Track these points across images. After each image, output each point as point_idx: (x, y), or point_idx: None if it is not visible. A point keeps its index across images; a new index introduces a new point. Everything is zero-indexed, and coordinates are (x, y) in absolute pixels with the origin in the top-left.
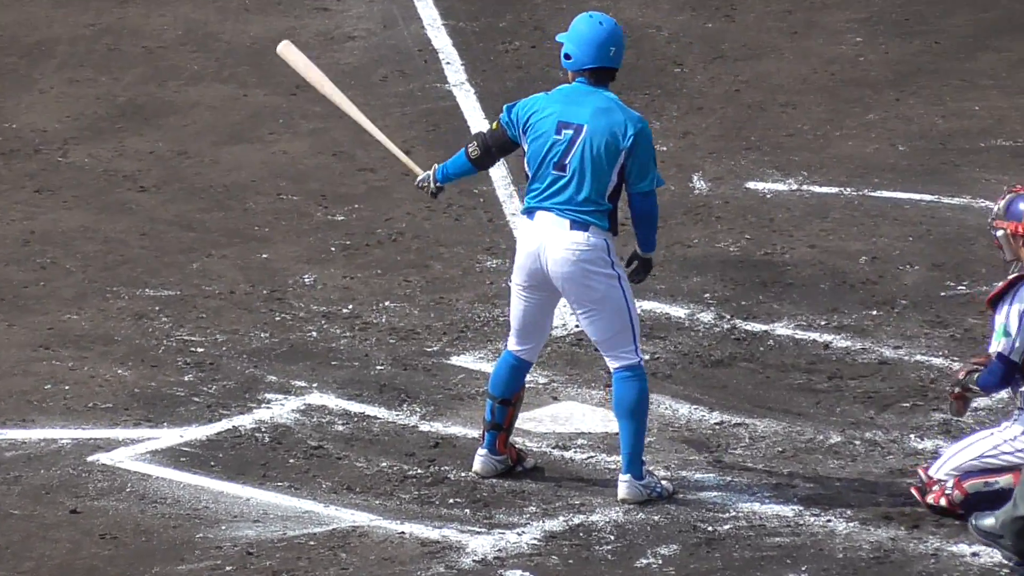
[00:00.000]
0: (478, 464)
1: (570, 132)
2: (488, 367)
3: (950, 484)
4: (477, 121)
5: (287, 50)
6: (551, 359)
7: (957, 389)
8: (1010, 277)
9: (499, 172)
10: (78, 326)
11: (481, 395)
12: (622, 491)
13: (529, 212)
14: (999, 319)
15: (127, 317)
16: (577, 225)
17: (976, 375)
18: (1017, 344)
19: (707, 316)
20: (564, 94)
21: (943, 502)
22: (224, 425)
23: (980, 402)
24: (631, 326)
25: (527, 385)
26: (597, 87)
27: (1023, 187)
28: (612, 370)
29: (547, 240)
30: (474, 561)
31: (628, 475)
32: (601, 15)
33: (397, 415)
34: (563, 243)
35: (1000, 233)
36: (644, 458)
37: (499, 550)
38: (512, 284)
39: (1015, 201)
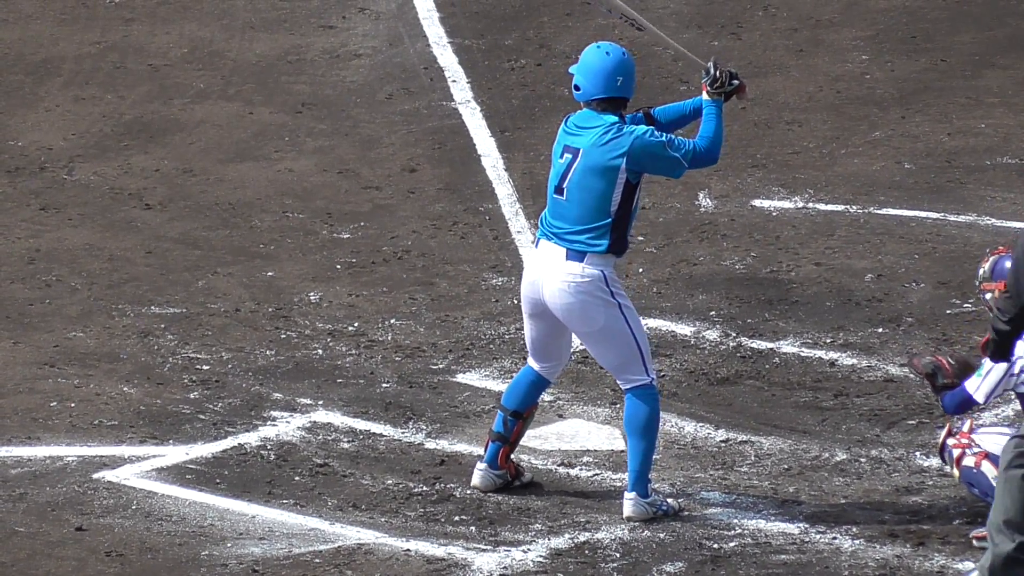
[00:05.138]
0: (477, 478)
1: (569, 156)
2: (494, 384)
3: (975, 450)
4: (483, 139)
5: None
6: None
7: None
8: None
9: (505, 190)
10: (83, 344)
11: (487, 412)
12: (627, 509)
13: (536, 241)
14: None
15: (133, 335)
16: (573, 255)
17: (942, 390)
18: (980, 389)
19: (713, 334)
20: (574, 120)
21: (956, 452)
22: (230, 443)
23: None
24: (638, 351)
25: None
26: (603, 114)
27: (1005, 248)
28: (624, 390)
29: (544, 271)
30: None
31: (634, 493)
32: (609, 45)
33: (403, 433)
34: (559, 275)
35: (988, 296)
36: (650, 476)
37: (504, 568)
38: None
39: (999, 262)
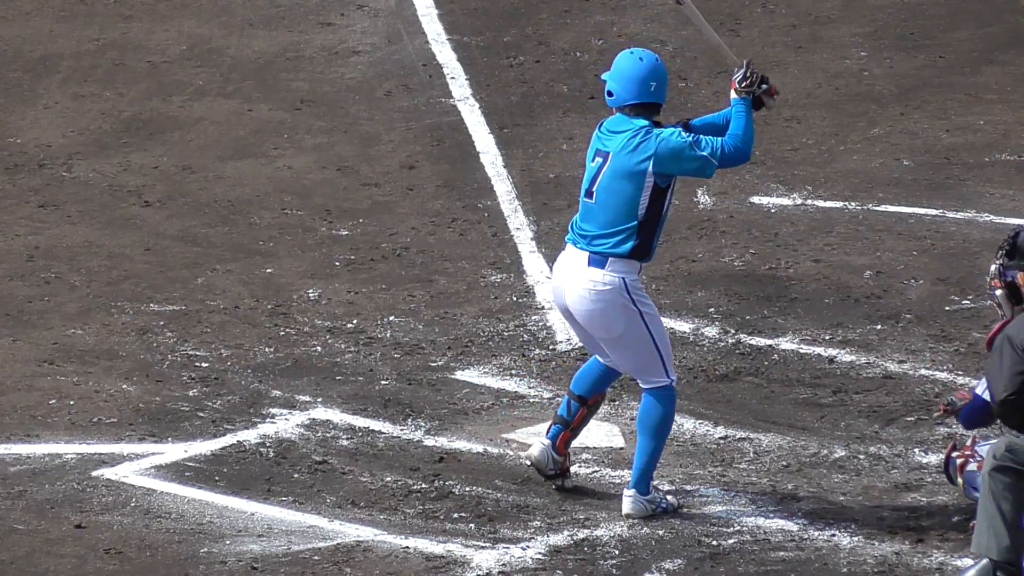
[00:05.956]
0: (536, 449)
1: (600, 160)
2: (493, 381)
3: (979, 459)
4: (482, 136)
5: None
6: (555, 374)
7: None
8: (1006, 319)
9: (504, 187)
10: (82, 341)
11: (486, 409)
12: (626, 506)
13: (565, 246)
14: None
15: (131, 332)
16: (595, 260)
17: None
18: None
19: (712, 331)
20: (607, 125)
21: (959, 461)
22: (229, 440)
23: None
24: (658, 354)
25: (535, 399)
26: (635, 119)
27: None
28: (642, 389)
29: (566, 276)
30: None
31: (633, 490)
32: (642, 51)
33: (401, 430)
34: (581, 282)
35: (999, 292)
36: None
37: (504, 564)
38: None
39: None
